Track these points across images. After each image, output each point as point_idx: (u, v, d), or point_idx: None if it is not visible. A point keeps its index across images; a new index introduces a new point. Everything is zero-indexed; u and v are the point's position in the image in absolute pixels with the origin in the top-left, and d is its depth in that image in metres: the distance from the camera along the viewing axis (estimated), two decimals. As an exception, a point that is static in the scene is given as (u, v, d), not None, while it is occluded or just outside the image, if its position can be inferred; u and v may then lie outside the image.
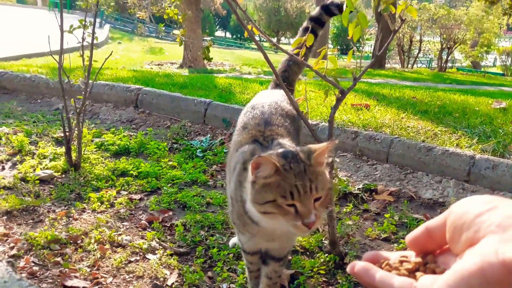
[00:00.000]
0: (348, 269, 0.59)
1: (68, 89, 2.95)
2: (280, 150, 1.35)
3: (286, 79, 2.09)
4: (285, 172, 1.25)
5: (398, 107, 4.20)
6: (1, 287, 1.45)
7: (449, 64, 22.65)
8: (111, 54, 2.94)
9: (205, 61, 13.91)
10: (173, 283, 1.78)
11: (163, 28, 12.47)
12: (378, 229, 2.35)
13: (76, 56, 2.92)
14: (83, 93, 2.90)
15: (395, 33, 2.06)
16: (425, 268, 0.57)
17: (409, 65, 21.42)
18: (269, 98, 1.87)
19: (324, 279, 1.92)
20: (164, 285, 1.77)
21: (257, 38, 1.99)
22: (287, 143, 1.54)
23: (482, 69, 23.62)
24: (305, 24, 2.19)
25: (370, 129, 3.42)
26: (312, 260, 2.00)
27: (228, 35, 46.92)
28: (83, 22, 2.91)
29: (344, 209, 2.56)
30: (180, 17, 13.51)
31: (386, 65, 18.66)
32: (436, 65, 22.73)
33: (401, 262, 0.60)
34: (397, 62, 22.36)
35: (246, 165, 1.41)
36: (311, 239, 2.19)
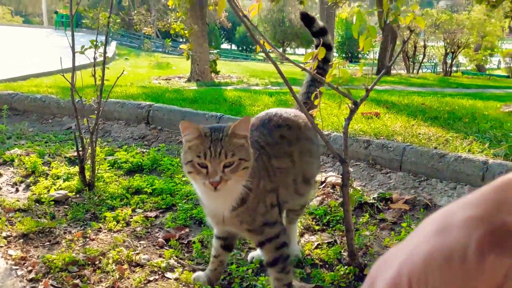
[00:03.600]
0: None
1: (80, 108, 2.97)
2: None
3: (309, 99, 2.11)
4: (204, 137, 1.53)
5: (408, 114, 4.19)
6: (27, 313, 1.46)
7: (454, 68, 22.64)
8: (122, 73, 2.97)
9: (213, 74, 14.00)
10: (194, 302, 1.78)
11: (170, 43, 12.57)
12: (396, 238, 2.33)
13: (84, 74, 2.95)
14: (95, 112, 2.92)
15: (404, 43, 2.07)
16: None
17: (415, 71, 21.43)
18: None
19: (344, 292, 1.90)
20: (185, 304, 1.77)
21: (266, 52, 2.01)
22: None
23: (487, 72, 23.58)
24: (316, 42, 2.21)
25: (382, 138, 3.42)
26: (332, 273, 1.99)
27: (234, 47, 47.20)
28: (94, 43, 2.95)
29: (361, 220, 2.54)
30: (186, 31, 13.59)
31: (392, 72, 18.69)
32: (441, 70, 22.72)
33: None
34: (403, 68, 22.40)
35: None
36: (330, 251, 2.17)
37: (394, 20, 1.98)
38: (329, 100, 4.25)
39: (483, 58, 21.70)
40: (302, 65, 1.98)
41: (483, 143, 3.23)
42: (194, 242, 2.24)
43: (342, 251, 2.19)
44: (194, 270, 2.00)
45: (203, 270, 2.01)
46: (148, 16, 22.98)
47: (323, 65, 2.11)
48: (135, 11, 22.59)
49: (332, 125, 3.69)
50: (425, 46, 21.42)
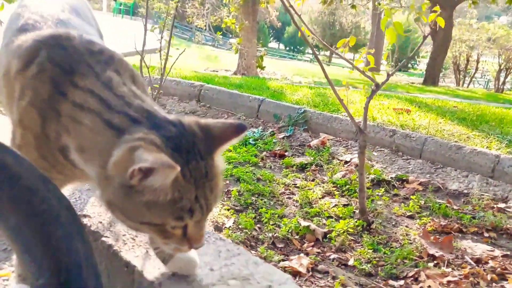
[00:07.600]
0: None
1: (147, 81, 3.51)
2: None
3: None
4: (184, 180, 0.87)
5: (438, 113, 4.50)
6: None
7: (508, 86, 22.13)
8: (183, 51, 3.48)
9: (258, 70, 14.50)
10: (230, 226, 2.24)
11: (221, 37, 13.16)
12: (404, 208, 2.71)
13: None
14: (158, 82, 3.45)
15: (425, 38, 2.44)
16: None
17: (465, 85, 21.14)
18: None
19: (352, 238, 2.31)
20: (223, 227, 2.23)
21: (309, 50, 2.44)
22: None
23: (544, 94, 22.93)
24: None
25: (407, 129, 3.77)
26: (343, 221, 2.40)
27: (282, 46, 47.68)
28: (163, 24, 3.51)
29: (377, 192, 2.93)
30: (237, 26, 14.10)
31: (439, 83, 18.56)
32: (493, 86, 22.28)
33: None
34: (453, 81, 22.15)
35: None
36: (344, 209, 2.58)
37: (417, 18, 2.37)
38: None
39: (541, 78, 21.14)
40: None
41: (501, 142, 3.53)
42: (232, 191, 2.70)
43: (355, 210, 2.59)
44: (231, 208, 2.47)
45: (239, 210, 2.48)
46: (201, 9, 23.69)
47: None
48: (189, 4, 23.34)
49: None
50: (478, 61, 21.07)
